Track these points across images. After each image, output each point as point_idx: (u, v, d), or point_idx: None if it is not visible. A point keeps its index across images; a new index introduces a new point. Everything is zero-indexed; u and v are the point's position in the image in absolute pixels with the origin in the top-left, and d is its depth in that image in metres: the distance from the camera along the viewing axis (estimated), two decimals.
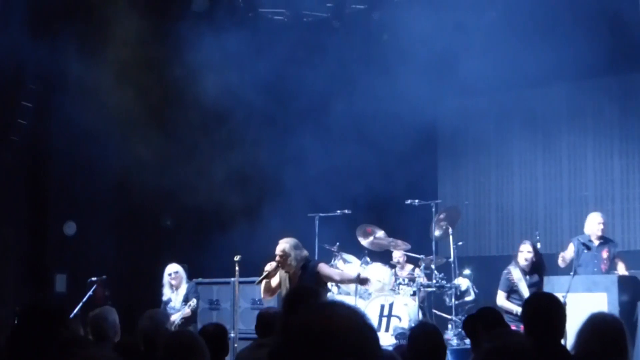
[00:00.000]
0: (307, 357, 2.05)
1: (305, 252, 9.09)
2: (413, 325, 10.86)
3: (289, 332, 2.10)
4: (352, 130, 13.36)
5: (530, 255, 10.90)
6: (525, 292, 10.66)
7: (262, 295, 9.38)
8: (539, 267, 10.97)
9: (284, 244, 8.93)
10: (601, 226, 11.39)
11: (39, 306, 4.73)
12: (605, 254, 11.25)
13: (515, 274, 10.95)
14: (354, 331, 2.08)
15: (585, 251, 11.17)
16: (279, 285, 9.03)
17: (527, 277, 10.90)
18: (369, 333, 2.11)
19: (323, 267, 8.98)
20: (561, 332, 5.15)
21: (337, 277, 9.57)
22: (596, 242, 11.29)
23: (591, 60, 12.54)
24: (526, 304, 5.42)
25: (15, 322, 4.57)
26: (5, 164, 12.07)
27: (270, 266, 8.91)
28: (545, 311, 5.16)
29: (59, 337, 4.49)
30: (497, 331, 5.25)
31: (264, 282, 9.01)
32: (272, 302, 10.94)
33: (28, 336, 4.37)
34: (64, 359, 4.17)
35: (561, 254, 11.31)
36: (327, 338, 2.05)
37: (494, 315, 5.65)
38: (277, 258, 8.88)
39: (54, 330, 4.45)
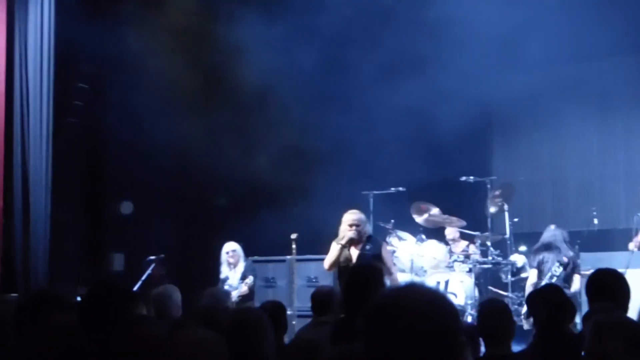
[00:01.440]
0: (393, 333, 2.14)
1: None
2: (476, 301, 10.89)
3: (376, 310, 2.19)
4: (406, 107, 13.30)
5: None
6: None
7: (326, 267, 9.39)
8: None
9: (358, 214, 9.08)
10: None
11: (110, 284, 4.81)
12: None
13: None
14: (437, 309, 2.15)
15: None
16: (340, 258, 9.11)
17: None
18: (451, 310, 2.21)
19: (387, 249, 9.08)
20: (625, 307, 5.11)
21: (390, 268, 9.22)
22: None
23: None
24: (590, 279, 5.39)
25: (84, 297, 4.63)
26: (63, 145, 12.20)
27: (353, 234, 8.96)
28: (609, 286, 5.14)
29: (129, 316, 4.57)
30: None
31: (335, 252, 9.07)
32: (328, 278, 11.04)
33: (98, 312, 4.44)
34: (132, 337, 4.25)
35: (636, 239, 11.21)
36: (412, 315, 2.14)
37: (556, 292, 5.61)
38: (355, 228, 8.95)
39: (124, 309, 4.53)
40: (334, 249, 9.14)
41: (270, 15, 12.41)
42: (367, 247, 8.98)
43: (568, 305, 5.61)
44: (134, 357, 3.89)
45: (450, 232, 12.60)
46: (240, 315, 4.78)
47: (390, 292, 2.25)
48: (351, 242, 9.06)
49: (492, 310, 5.16)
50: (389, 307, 2.18)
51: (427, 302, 2.17)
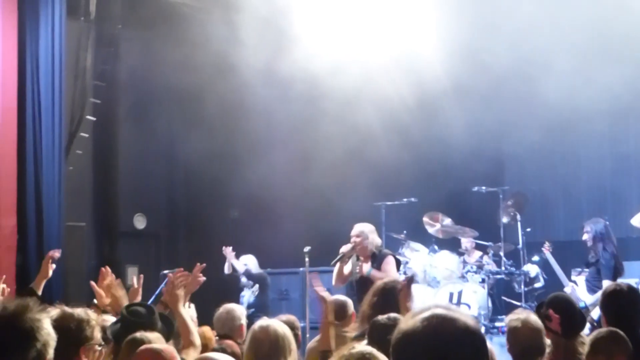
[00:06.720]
0: None
1: (379, 240, 9.13)
2: (489, 312, 10.80)
3: (404, 340, 2.15)
4: (418, 118, 13.26)
5: (586, 236, 10.32)
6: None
7: (333, 282, 9.31)
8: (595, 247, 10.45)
9: (361, 227, 8.93)
10: None
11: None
12: None
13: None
14: (468, 343, 2.13)
15: None
16: (350, 272, 8.98)
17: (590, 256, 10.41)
18: (483, 343, 2.16)
19: (387, 263, 8.87)
20: (638, 321, 5.10)
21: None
22: None
23: None
24: (604, 294, 5.38)
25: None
26: (76, 161, 12.28)
27: (345, 248, 8.88)
28: (622, 301, 5.12)
29: None
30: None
31: (337, 267, 8.98)
32: (341, 290, 11.02)
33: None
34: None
35: None
36: (443, 347, 2.09)
37: (565, 301, 5.60)
38: (354, 239, 8.85)
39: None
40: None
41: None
42: (374, 264, 8.83)
43: (579, 313, 5.60)
44: None
45: (465, 243, 12.58)
46: (262, 333, 4.75)
47: (419, 321, 2.15)
48: (343, 258, 8.94)
49: (529, 330, 5.05)
50: (417, 338, 2.12)
51: (459, 335, 2.11)
